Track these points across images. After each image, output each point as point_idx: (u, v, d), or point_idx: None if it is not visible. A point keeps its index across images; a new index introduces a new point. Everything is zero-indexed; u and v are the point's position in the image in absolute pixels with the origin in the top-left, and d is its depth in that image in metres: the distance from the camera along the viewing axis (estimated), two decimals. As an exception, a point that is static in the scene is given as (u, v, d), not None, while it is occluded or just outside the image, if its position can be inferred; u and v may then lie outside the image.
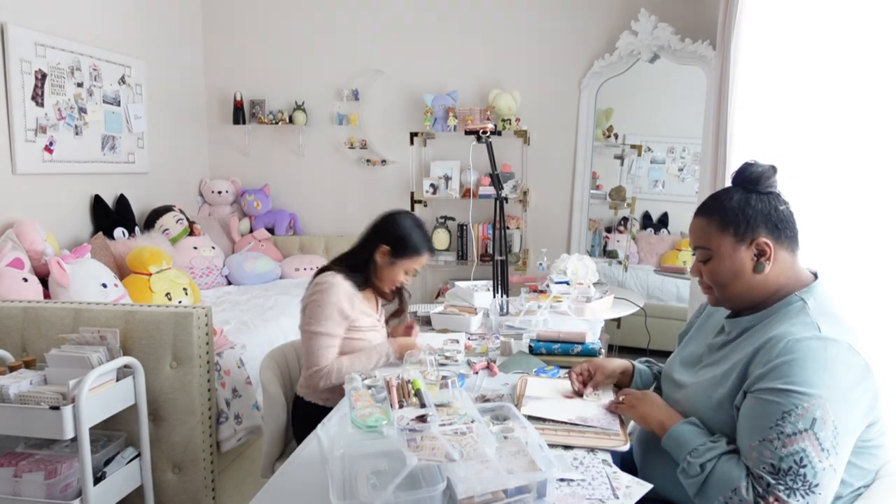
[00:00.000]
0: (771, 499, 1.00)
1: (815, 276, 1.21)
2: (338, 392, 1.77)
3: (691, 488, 1.10)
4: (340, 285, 1.80)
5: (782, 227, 1.17)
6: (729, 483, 1.04)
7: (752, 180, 1.19)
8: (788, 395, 1.03)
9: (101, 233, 3.25)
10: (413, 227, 1.87)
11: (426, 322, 2.24)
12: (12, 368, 1.93)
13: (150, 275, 2.94)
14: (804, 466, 1.00)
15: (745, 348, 1.15)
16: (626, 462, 1.33)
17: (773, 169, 1.20)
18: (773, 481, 1.00)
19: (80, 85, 3.19)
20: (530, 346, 1.85)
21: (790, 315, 1.13)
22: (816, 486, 0.99)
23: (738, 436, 1.10)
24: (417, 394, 1.15)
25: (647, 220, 4.14)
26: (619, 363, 1.54)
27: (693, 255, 1.28)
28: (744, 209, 1.17)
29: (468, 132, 2.54)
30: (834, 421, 1.01)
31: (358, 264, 1.87)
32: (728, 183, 1.28)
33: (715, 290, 1.24)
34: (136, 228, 3.49)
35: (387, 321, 2.04)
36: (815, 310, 1.12)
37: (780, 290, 1.18)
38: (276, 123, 4.20)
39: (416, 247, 1.86)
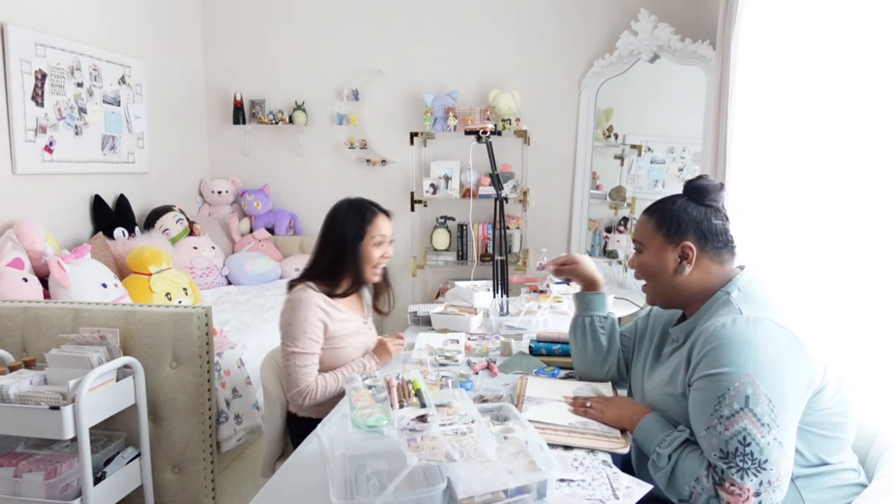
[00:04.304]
0: (727, 484, 1.03)
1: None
2: (328, 405, 1.70)
3: (661, 480, 1.13)
4: (311, 300, 1.75)
5: (710, 237, 1.25)
6: (692, 473, 1.09)
7: (697, 191, 1.28)
8: (718, 379, 1.08)
9: (101, 233, 3.25)
10: (351, 207, 1.83)
11: (426, 322, 2.24)
12: (12, 368, 1.94)
13: (150, 275, 2.94)
14: (748, 445, 1.03)
15: (686, 348, 1.21)
16: (626, 463, 1.33)
17: (721, 186, 1.29)
18: (724, 466, 1.04)
19: (80, 85, 3.19)
20: (530, 347, 1.85)
21: (717, 308, 1.21)
22: (765, 461, 1.02)
23: (692, 429, 1.14)
24: (418, 394, 1.15)
25: (646, 220, 4.13)
26: (595, 274, 1.62)
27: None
28: (679, 214, 1.26)
29: (468, 132, 2.54)
30: (767, 395, 1.04)
31: (327, 269, 1.82)
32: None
33: (646, 284, 1.34)
34: (136, 228, 3.49)
35: (375, 309, 2.01)
36: (738, 297, 1.19)
37: (707, 291, 1.25)
38: (276, 123, 4.20)
39: (364, 217, 1.81)
